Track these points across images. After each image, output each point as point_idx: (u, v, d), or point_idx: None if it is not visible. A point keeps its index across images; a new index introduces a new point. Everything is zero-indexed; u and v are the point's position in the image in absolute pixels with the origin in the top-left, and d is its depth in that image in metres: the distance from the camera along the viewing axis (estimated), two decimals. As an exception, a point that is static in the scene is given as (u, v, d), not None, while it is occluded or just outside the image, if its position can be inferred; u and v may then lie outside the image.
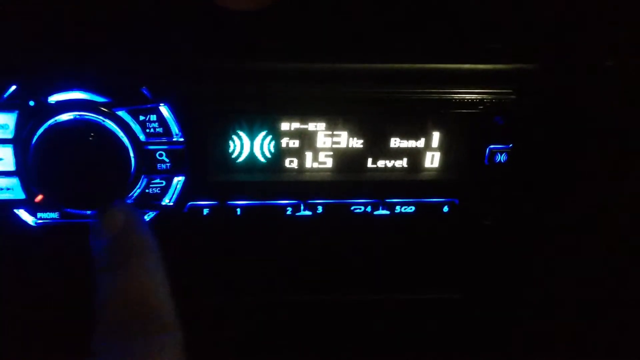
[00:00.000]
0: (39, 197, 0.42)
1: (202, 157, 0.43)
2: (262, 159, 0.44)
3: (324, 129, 0.44)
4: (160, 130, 0.41)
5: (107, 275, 0.35)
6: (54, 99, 0.40)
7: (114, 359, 0.32)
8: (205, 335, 0.49)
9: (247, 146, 0.44)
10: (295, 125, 0.43)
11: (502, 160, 0.45)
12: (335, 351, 0.56)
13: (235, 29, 0.43)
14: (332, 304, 0.53)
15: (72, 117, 0.39)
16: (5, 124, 0.40)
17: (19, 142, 0.40)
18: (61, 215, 0.43)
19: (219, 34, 0.43)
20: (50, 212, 0.43)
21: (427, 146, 0.45)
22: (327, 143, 0.44)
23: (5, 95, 0.39)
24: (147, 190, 0.43)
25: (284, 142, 0.44)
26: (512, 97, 0.44)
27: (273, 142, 0.44)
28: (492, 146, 0.45)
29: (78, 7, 0.41)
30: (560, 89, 0.45)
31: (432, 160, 0.46)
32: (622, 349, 0.55)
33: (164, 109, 0.41)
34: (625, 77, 0.45)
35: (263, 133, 0.44)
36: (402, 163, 0.46)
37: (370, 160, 0.45)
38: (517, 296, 0.54)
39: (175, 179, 0.43)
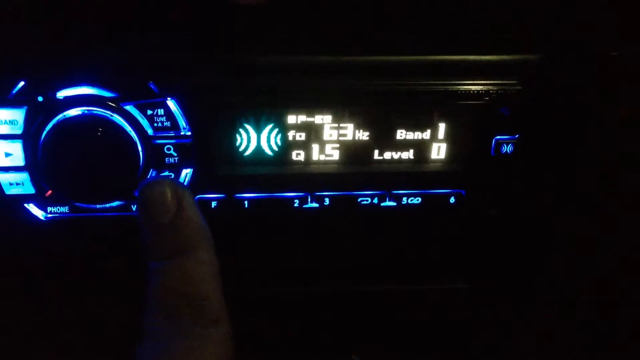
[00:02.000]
0: (49, 192, 0.42)
1: (210, 150, 0.43)
2: (269, 152, 0.44)
3: (330, 121, 0.44)
4: (168, 124, 0.42)
5: (159, 265, 0.33)
6: (62, 94, 0.40)
7: (164, 342, 0.31)
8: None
9: (254, 139, 0.44)
10: (302, 118, 0.44)
11: (508, 151, 0.46)
12: (339, 341, 0.56)
13: (241, 23, 0.43)
14: (339, 295, 0.53)
15: (80, 112, 0.39)
16: (15, 120, 0.40)
17: (28, 137, 0.40)
18: (71, 210, 0.43)
19: (226, 28, 0.43)
20: (60, 206, 0.43)
21: (433, 138, 0.45)
22: (333, 135, 0.44)
23: (14, 92, 0.40)
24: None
25: (291, 135, 0.44)
26: (518, 87, 0.44)
27: (280, 135, 0.44)
28: (498, 137, 0.45)
29: (85, 3, 0.41)
30: (565, 79, 0.45)
31: (439, 151, 0.46)
32: (629, 343, 0.55)
33: (171, 103, 0.41)
34: (629, 67, 0.45)
35: (270, 126, 0.44)
36: (409, 155, 0.46)
37: (376, 152, 0.45)
38: (523, 287, 0.54)
39: (184, 172, 0.43)
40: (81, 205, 0.43)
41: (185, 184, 0.43)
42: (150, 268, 0.33)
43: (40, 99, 0.40)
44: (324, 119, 0.44)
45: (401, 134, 0.45)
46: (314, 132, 0.44)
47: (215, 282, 0.34)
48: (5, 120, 0.40)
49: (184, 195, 0.34)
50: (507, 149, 0.46)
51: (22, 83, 0.40)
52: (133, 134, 0.41)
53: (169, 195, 0.34)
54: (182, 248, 0.33)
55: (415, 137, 0.45)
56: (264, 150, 0.44)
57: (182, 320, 0.32)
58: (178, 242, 0.33)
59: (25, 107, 0.40)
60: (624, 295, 0.53)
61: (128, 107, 0.41)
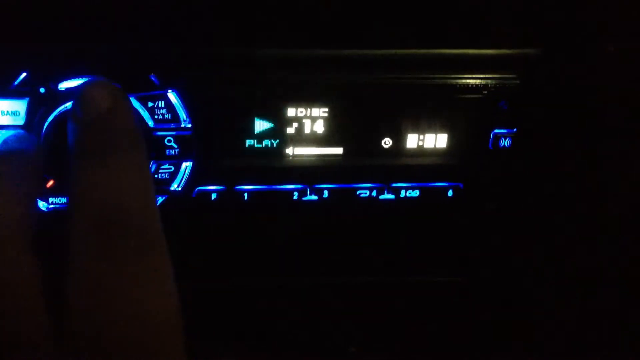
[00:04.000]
0: (50, 183, 0.42)
1: (210, 142, 0.44)
2: (268, 145, 0.45)
3: (328, 114, 0.44)
4: (168, 116, 0.42)
5: (82, 165, 0.29)
6: (64, 85, 0.40)
7: (87, 280, 0.27)
8: (210, 319, 0.50)
9: (254, 132, 0.44)
10: (301, 110, 0.44)
11: (506, 145, 0.46)
12: (338, 334, 0.56)
13: (242, 15, 0.43)
14: (336, 287, 0.53)
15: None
16: (17, 111, 0.40)
17: (31, 128, 0.40)
18: (72, 201, 0.44)
19: (227, 20, 0.43)
20: (61, 197, 0.43)
21: (431, 131, 0.46)
22: (332, 129, 0.45)
23: (15, 83, 0.40)
24: (156, 176, 0.43)
25: (290, 127, 0.44)
26: (516, 81, 0.44)
27: (279, 128, 0.44)
28: (496, 131, 0.46)
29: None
30: (563, 73, 0.45)
31: (437, 144, 0.46)
32: (625, 339, 0.55)
33: (172, 96, 0.42)
34: (627, 62, 0.45)
35: (270, 119, 0.44)
36: (407, 148, 0.46)
37: (375, 145, 0.46)
38: (520, 281, 0.55)
39: (184, 165, 0.43)
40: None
41: (185, 175, 0.44)
42: (71, 170, 0.29)
43: (42, 90, 0.40)
44: (322, 112, 0.44)
45: (400, 128, 0.45)
46: (312, 125, 0.44)
47: (148, 196, 0.30)
48: (8, 112, 0.40)
49: (119, 95, 0.32)
50: (505, 142, 0.46)
51: (24, 74, 0.40)
52: (134, 125, 0.41)
53: (106, 91, 0.31)
54: (112, 146, 0.29)
55: (413, 131, 0.45)
56: (263, 143, 0.45)
57: (108, 236, 0.27)
58: (109, 138, 0.30)
59: (28, 99, 0.40)
60: (624, 288, 0.53)
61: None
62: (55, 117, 0.40)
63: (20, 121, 0.40)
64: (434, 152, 0.46)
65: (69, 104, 0.40)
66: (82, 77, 0.40)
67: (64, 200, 0.43)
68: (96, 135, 0.30)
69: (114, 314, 0.27)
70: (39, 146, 0.36)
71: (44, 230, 0.31)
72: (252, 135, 0.44)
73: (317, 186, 0.46)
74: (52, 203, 0.43)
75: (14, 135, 0.36)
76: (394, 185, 0.47)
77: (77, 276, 0.28)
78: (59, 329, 0.28)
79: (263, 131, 0.44)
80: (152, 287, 0.28)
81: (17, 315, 0.27)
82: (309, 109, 0.44)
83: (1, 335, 0.27)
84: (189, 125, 0.42)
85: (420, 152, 0.46)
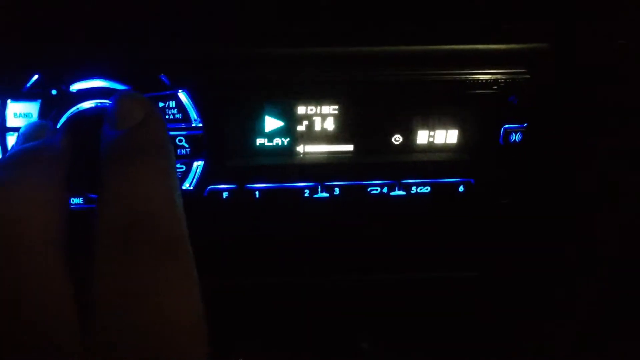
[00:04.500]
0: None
1: (221, 141, 0.44)
2: (279, 143, 0.45)
3: (339, 111, 0.44)
4: (179, 116, 0.42)
5: (112, 171, 0.30)
6: (75, 87, 0.41)
7: (113, 283, 0.27)
8: (225, 316, 0.50)
9: (265, 130, 0.44)
10: (311, 108, 0.44)
11: (517, 140, 0.46)
12: (349, 330, 0.57)
13: (251, 15, 0.43)
14: (348, 285, 0.54)
15: (93, 104, 0.40)
16: (29, 113, 0.41)
17: (43, 130, 0.41)
18: (85, 201, 0.44)
19: (236, 20, 0.43)
20: (74, 197, 0.44)
21: (442, 127, 0.46)
22: (342, 126, 0.45)
23: (28, 85, 0.40)
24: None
25: (301, 125, 0.45)
26: (527, 76, 0.44)
27: (290, 126, 0.44)
28: (506, 126, 0.46)
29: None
30: (573, 68, 0.45)
31: (447, 140, 0.46)
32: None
33: (182, 96, 0.42)
34: (636, 56, 0.45)
35: (280, 117, 0.44)
36: (417, 144, 0.46)
37: (385, 142, 0.46)
38: (533, 276, 0.55)
39: (195, 164, 0.44)
40: (95, 196, 0.43)
41: (197, 175, 0.44)
42: (101, 175, 0.30)
43: (54, 92, 0.40)
44: (332, 110, 0.44)
45: (410, 124, 0.45)
46: (323, 123, 0.45)
47: (175, 202, 0.30)
48: (20, 114, 0.41)
49: (151, 107, 0.33)
50: (516, 137, 0.46)
51: (36, 76, 0.40)
52: (145, 125, 0.41)
53: (139, 103, 0.32)
54: (143, 154, 0.30)
55: (424, 127, 0.45)
56: (274, 141, 0.45)
57: (135, 239, 0.28)
58: (140, 147, 0.30)
59: (40, 100, 0.40)
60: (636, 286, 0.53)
61: (140, 100, 0.41)
62: (67, 118, 0.40)
63: (32, 123, 0.41)
64: (445, 148, 0.46)
65: (81, 105, 0.40)
66: (93, 79, 0.41)
67: (77, 200, 0.44)
68: (128, 144, 0.31)
69: (139, 318, 0.27)
70: (63, 141, 0.35)
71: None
72: (263, 134, 0.44)
73: (328, 183, 0.46)
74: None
75: (35, 125, 0.36)
76: (405, 181, 0.47)
77: (102, 279, 0.28)
78: (84, 329, 0.28)
79: (274, 130, 0.44)
80: (177, 292, 0.29)
81: (46, 315, 0.28)
82: (319, 107, 0.44)
83: (29, 334, 0.27)
84: (200, 125, 0.43)
85: (430, 148, 0.46)
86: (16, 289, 0.27)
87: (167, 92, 0.42)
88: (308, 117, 0.44)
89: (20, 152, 0.32)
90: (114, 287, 0.28)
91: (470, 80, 0.44)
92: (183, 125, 0.42)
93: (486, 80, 0.44)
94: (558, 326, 0.56)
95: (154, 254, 0.28)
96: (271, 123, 0.44)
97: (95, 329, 0.27)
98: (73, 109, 0.40)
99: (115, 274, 0.28)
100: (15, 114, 0.41)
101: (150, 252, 0.28)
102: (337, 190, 0.46)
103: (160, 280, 0.28)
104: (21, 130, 0.35)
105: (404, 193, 0.47)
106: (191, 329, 0.29)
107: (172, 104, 0.42)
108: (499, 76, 0.44)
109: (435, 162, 0.47)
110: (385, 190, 0.47)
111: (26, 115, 0.41)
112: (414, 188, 0.47)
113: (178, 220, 0.30)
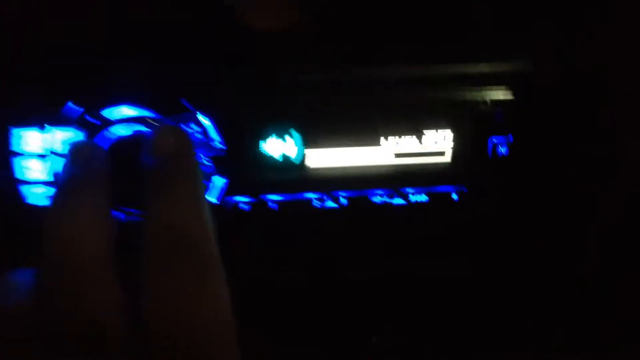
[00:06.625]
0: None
1: (241, 160, 0.48)
2: (294, 160, 0.48)
3: (339, 132, 0.48)
4: (200, 136, 0.46)
5: (153, 195, 0.33)
6: (108, 113, 0.44)
7: (159, 295, 0.31)
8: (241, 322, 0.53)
9: (282, 149, 0.48)
10: (323, 130, 0.48)
11: (504, 153, 0.50)
12: (355, 328, 0.60)
13: (267, 41, 0.46)
14: (354, 282, 0.57)
15: (124, 130, 0.44)
16: (69, 137, 0.44)
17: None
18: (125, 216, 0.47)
19: (254, 45, 0.46)
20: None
21: (433, 144, 0.49)
22: (347, 143, 0.49)
23: (62, 111, 0.44)
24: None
25: (315, 144, 0.48)
26: (511, 94, 0.48)
27: (304, 145, 0.48)
28: (494, 139, 0.49)
29: (127, 26, 0.45)
30: (557, 86, 0.48)
31: (439, 153, 0.50)
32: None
33: (202, 118, 0.45)
34: (617, 77, 0.48)
35: (295, 137, 0.48)
36: (411, 153, 0.49)
37: (384, 153, 0.49)
38: (528, 280, 0.58)
39: (217, 181, 0.48)
40: (129, 209, 0.47)
41: (219, 190, 0.48)
42: (143, 198, 0.33)
43: (87, 117, 0.44)
44: (339, 129, 0.48)
45: (404, 137, 0.49)
46: (332, 141, 0.49)
47: (207, 221, 0.33)
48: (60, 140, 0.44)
49: (184, 137, 0.36)
50: (503, 151, 0.50)
51: (69, 103, 0.44)
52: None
53: (175, 135, 0.36)
54: (178, 179, 0.34)
55: (417, 140, 0.49)
56: (290, 159, 0.48)
57: (177, 259, 0.31)
58: (176, 173, 0.34)
59: (74, 126, 0.44)
60: (628, 288, 0.56)
61: (166, 124, 0.44)
62: (111, 142, 0.44)
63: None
64: (438, 160, 0.50)
65: (112, 130, 0.44)
66: (123, 105, 0.44)
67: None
68: (166, 172, 0.34)
69: (186, 329, 0.31)
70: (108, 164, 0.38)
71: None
72: (280, 152, 0.48)
73: (335, 194, 0.50)
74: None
75: (83, 145, 0.38)
76: (402, 190, 0.51)
77: (147, 291, 0.32)
78: (132, 334, 0.32)
79: (289, 149, 0.48)
80: (211, 302, 0.32)
81: (97, 325, 0.31)
82: (328, 126, 0.48)
83: (81, 339, 0.30)
84: (220, 145, 0.46)
85: (424, 158, 0.50)
86: (71, 301, 0.31)
87: (187, 114, 0.45)
88: (322, 132, 0.48)
89: (74, 178, 0.35)
90: (158, 298, 0.31)
91: (456, 99, 0.47)
92: (204, 146, 0.46)
93: (471, 98, 0.47)
94: (557, 326, 0.58)
95: (195, 270, 0.32)
96: (283, 141, 0.48)
97: (145, 339, 0.31)
98: (111, 134, 0.44)
99: (163, 293, 0.31)
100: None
101: (192, 270, 0.32)
102: (343, 200, 0.51)
103: (197, 291, 0.32)
104: (70, 149, 0.37)
105: (403, 202, 0.51)
106: (228, 336, 0.33)
107: (193, 125, 0.45)
108: (483, 95, 0.47)
109: (429, 171, 0.50)
110: (387, 199, 0.51)
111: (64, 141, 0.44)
112: (411, 196, 0.51)
113: (210, 237, 0.34)
